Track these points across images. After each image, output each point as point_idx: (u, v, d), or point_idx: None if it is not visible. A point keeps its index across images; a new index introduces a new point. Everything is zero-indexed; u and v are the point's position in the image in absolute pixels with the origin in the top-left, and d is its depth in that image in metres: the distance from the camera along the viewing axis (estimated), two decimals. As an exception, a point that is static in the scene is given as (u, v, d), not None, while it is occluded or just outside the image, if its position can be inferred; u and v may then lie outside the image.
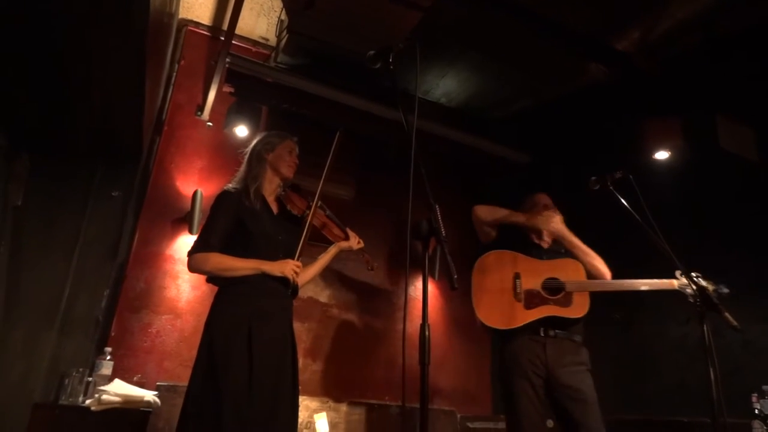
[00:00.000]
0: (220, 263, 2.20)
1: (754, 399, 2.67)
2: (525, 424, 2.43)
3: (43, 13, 2.13)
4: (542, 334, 2.54)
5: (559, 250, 2.79)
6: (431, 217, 1.46)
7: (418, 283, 4.38)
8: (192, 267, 2.23)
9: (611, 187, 2.47)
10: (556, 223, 2.73)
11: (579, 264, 2.66)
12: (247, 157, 2.47)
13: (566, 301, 2.57)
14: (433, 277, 4.38)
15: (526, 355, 2.52)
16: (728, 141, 3.27)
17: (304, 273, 2.46)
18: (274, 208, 2.46)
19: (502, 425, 3.75)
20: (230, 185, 2.40)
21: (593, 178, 2.62)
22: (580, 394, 2.43)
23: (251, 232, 2.27)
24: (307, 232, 2.37)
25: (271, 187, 2.47)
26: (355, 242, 2.59)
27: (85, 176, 3.39)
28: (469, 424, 3.87)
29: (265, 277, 2.22)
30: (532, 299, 2.60)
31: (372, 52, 1.85)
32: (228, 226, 2.26)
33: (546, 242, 2.84)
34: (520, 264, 2.70)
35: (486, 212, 2.82)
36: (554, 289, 2.60)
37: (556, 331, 2.55)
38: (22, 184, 3.08)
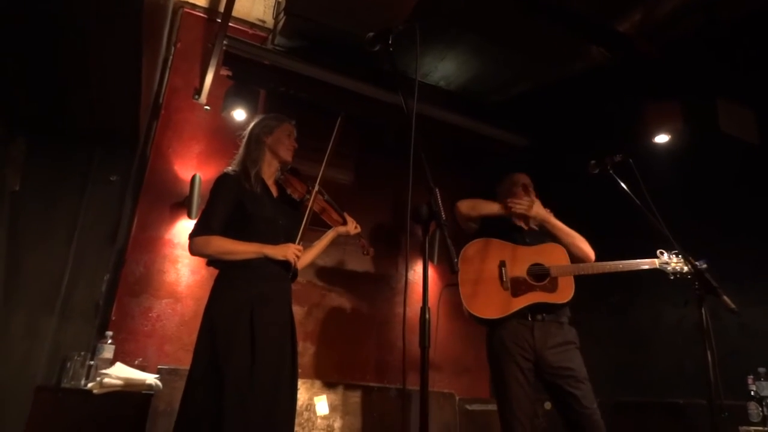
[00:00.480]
0: (221, 246, 2.20)
1: (749, 381, 2.71)
2: (515, 407, 2.45)
3: (38, -6, 2.10)
4: (530, 319, 2.58)
5: (542, 231, 2.82)
6: (431, 200, 1.45)
7: (417, 267, 4.39)
8: (193, 250, 2.23)
9: (611, 171, 2.46)
10: (536, 209, 2.76)
11: (561, 248, 2.70)
12: (245, 140, 2.45)
13: (552, 287, 2.60)
14: (432, 261, 4.39)
15: (514, 340, 2.55)
16: (728, 124, 3.26)
17: (302, 257, 2.46)
18: (274, 192, 2.45)
19: (500, 407, 3.80)
20: (229, 168, 2.38)
21: (593, 161, 2.61)
22: (568, 371, 2.46)
23: (252, 215, 2.26)
24: (308, 216, 2.38)
25: (270, 171, 2.46)
26: (352, 227, 2.60)
27: (83, 161, 3.38)
28: (468, 407, 3.92)
29: (266, 260, 2.22)
30: (518, 287, 2.62)
31: (371, 35, 1.83)
32: (228, 209, 2.26)
33: (528, 224, 2.86)
34: (504, 251, 2.71)
35: (468, 208, 2.84)
36: (539, 276, 2.63)
37: (543, 315, 2.58)
38: (19, 169, 3.07)
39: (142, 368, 3.12)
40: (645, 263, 2.54)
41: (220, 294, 2.20)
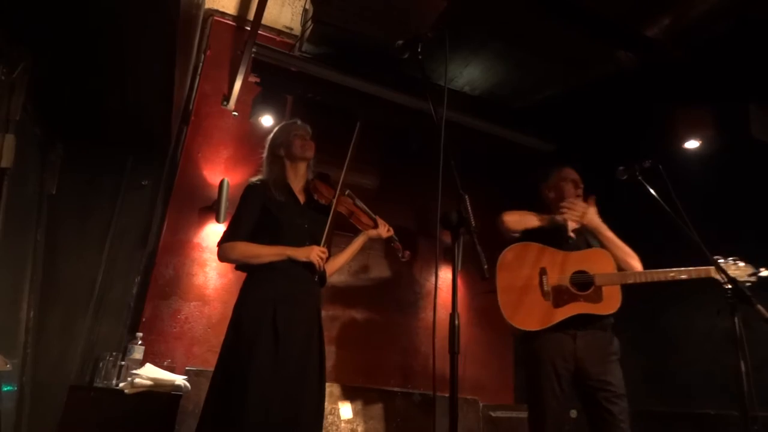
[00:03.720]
0: (246, 251, 2.29)
1: (784, 392, 2.63)
2: (548, 420, 2.37)
3: (80, 2, 2.18)
4: (572, 328, 2.46)
5: (584, 236, 2.70)
6: (461, 207, 1.46)
7: (441, 273, 4.39)
8: (221, 256, 2.34)
9: (640, 177, 2.40)
10: (590, 217, 2.62)
11: (607, 254, 2.56)
12: (264, 158, 2.53)
13: (597, 296, 2.47)
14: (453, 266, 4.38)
15: (554, 349, 2.45)
16: (761, 129, 3.19)
17: (333, 262, 2.50)
18: (301, 198, 2.49)
19: (525, 414, 3.76)
20: (256, 178, 2.47)
21: (621, 167, 2.57)
22: (608, 386, 2.38)
23: (278, 219, 2.33)
24: (332, 218, 2.39)
25: (297, 177, 2.50)
26: (384, 230, 2.58)
27: (117, 166, 3.48)
28: (492, 413, 3.89)
29: (291, 263, 2.28)
30: (561, 296, 2.49)
31: (400, 42, 1.86)
32: (254, 217, 2.34)
33: (570, 228, 2.74)
34: (545, 257, 2.58)
35: (514, 223, 2.70)
36: (583, 284, 2.50)
37: (587, 324, 2.47)
38: (56, 173, 3.17)
39: (171, 369, 3.18)
40: (701, 271, 2.36)
41: (246, 294, 2.28)
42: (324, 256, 2.33)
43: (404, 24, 3.33)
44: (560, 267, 2.55)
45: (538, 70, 4.04)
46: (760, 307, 1.96)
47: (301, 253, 2.29)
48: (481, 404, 3.91)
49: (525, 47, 3.77)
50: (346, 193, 2.49)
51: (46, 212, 3.15)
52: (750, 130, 3.17)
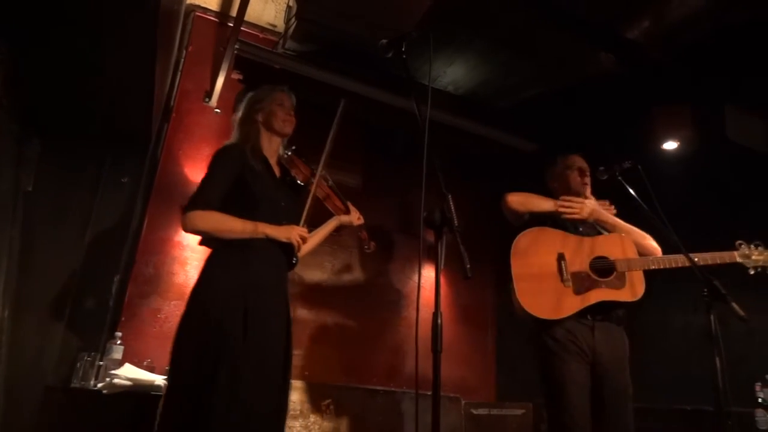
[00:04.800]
0: (219, 222, 2.00)
1: (757, 388, 2.71)
2: (576, 414, 2.25)
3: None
4: (590, 318, 2.38)
5: (593, 222, 2.65)
6: (444, 206, 1.47)
7: (423, 272, 4.40)
8: (187, 225, 2.01)
9: (620, 177, 2.43)
10: (588, 211, 2.56)
11: (628, 239, 2.50)
12: (238, 118, 2.30)
13: (620, 283, 2.39)
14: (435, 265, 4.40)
15: (572, 339, 2.35)
16: (736, 132, 3.26)
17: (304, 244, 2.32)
18: (277, 171, 2.28)
19: (506, 412, 3.81)
20: (230, 142, 2.23)
21: (601, 167, 2.60)
22: (621, 384, 2.36)
23: (254, 193, 2.08)
24: (311, 200, 2.23)
25: (272, 148, 2.29)
26: (355, 217, 2.48)
27: (95, 162, 3.41)
28: (474, 411, 3.92)
29: (267, 243, 2.04)
30: (581, 283, 2.39)
31: (384, 41, 1.86)
32: (228, 183, 2.07)
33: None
34: (562, 243, 2.48)
35: (518, 203, 2.61)
36: (604, 270, 2.42)
37: (603, 314, 2.40)
38: (32, 169, 3.10)
39: (150, 369, 3.13)
40: (724, 256, 2.35)
41: (211, 277, 1.99)
42: (306, 237, 2.11)
43: (388, 22, 3.32)
44: (579, 253, 2.46)
45: (522, 70, 4.07)
46: (735, 305, 2.00)
47: (281, 233, 2.05)
48: (463, 402, 3.94)
49: (509, 47, 3.81)
50: (322, 174, 2.30)
51: (22, 209, 3.08)
52: (726, 132, 3.24)
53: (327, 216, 2.53)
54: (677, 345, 3.48)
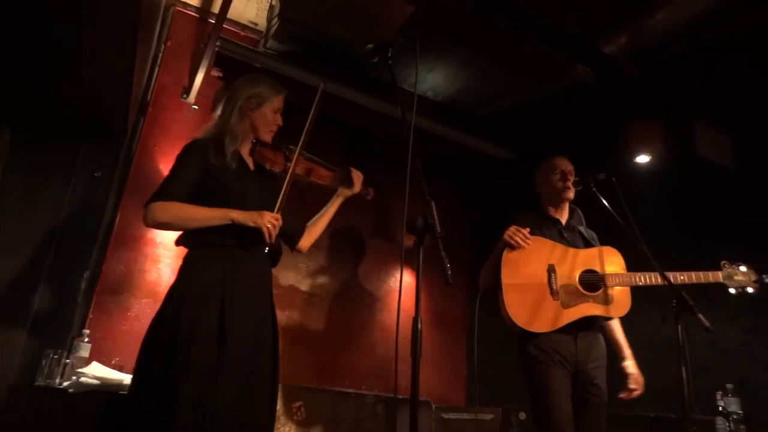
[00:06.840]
0: (180, 211, 1.92)
1: (718, 397, 2.79)
2: (558, 416, 2.29)
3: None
4: (573, 329, 2.41)
5: (579, 224, 2.71)
6: (427, 213, 1.49)
7: (398, 275, 4.42)
8: (147, 218, 1.92)
9: (593, 188, 2.49)
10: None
11: (617, 253, 2.52)
12: (224, 106, 2.17)
13: (606, 298, 2.42)
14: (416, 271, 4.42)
15: (555, 348, 2.38)
16: (705, 147, 3.37)
17: (312, 229, 2.30)
18: (250, 164, 2.20)
19: (476, 416, 3.84)
20: (202, 136, 2.13)
21: (576, 178, 2.67)
22: (598, 390, 2.41)
23: (225, 187, 2.00)
24: (289, 179, 2.09)
25: (245, 144, 2.20)
26: (358, 183, 2.38)
27: (68, 155, 3.32)
28: (444, 415, 3.94)
29: (241, 237, 1.95)
30: (570, 297, 2.42)
31: (370, 46, 1.88)
32: (195, 177, 2.00)
33: (564, 215, 2.71)
34: (550, 253, 2.49)
35: (483, 282, 2.60)
36: (592, 284, 2.45)
37: (587, 326, 2.44)
38: (1, 161, 3.01)
39: (119, 368, 3.06)
40: (708, 276, 2.39)
41: (186, 275, 1.95)
42: (277, 223, 1.97)
43: (371, 27, 3.34)
44: (568, 265, 2.47)
45: (501, 79, 4.14)
46: (701, 316, 2.07)
47: (248, 218, 1.93)
48: (433, 406, 3.96)
49: (489, 56, 3.86)
50: (298, 151, 2.17)
51: (-11, 201, 2.99)
52: (695, 147, 3.34)
53: (329, 196, 2.44)
54: (642, 353, 3.55)
